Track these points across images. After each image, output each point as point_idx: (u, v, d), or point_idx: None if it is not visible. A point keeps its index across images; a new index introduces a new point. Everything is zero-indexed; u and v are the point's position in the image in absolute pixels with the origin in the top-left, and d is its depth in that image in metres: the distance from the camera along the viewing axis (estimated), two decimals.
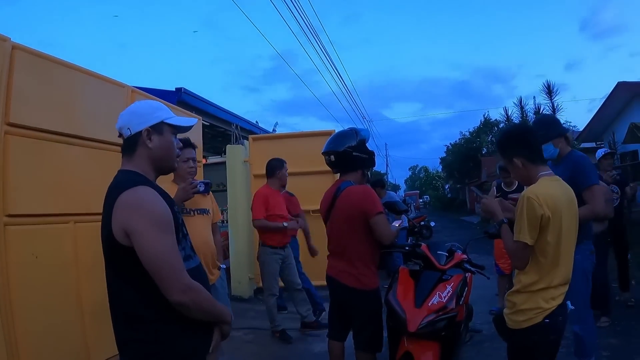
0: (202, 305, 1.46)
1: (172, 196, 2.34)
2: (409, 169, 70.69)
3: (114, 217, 1.41)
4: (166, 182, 2.67)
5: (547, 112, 13.32)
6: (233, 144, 6.63)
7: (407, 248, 2.96)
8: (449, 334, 2.59)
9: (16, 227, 2.44)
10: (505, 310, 2.04)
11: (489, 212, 2.17)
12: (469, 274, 3.24)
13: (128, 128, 1.54)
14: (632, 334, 4.26)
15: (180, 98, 5.81)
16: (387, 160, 50.13)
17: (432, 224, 12.78)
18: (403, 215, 3.18)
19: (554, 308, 1.94)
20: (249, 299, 6.20)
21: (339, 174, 2.98)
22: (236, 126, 6.73)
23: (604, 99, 13.25)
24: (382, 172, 41.92)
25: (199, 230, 2.88)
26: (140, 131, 1.53)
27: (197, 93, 6.62)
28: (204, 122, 6.93)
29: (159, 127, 1.55)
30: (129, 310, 1.45)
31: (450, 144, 29.65)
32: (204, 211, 3.02)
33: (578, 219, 2.10)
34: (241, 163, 6.28)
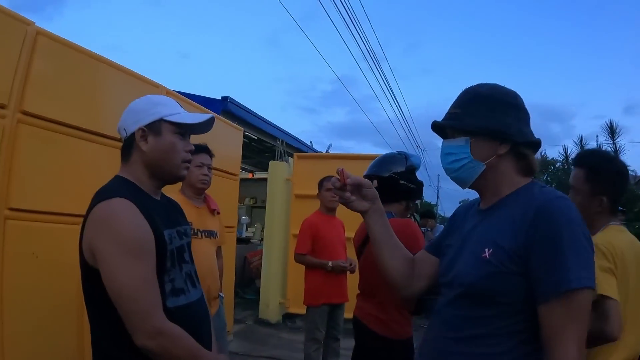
0: (176, 354, 1.13)
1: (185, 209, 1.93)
2: (460, 202, 67.57)
3: (85, 233, 1.15)
4: (172, 192, 2.40)
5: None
6: (277, 160, 6.44)
7: None
8: None
9: (17, 222, 2.25)
10: None
11: None
12: None
13: (124, 129, 1.28)
14: None
15: (225, 107, 5.63)
16: (438, 192, 47.87)
17: None
18: None
19: None
20: (277, 325, 5.86)
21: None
22: (282, 142, 6.54)
23: None
24: (432, 203, 40.43)
25: (206, 255, 2.48)
26: (134, 132, 1.26)
27: (245, 104, 6.33)
28: (250, 135, 6.78)
29: (156, 126, 1.26)
30: (102, 349, 1.18)
31: None
32: (211, 233, 2.60)
33: None
34: (283, 181, 6.04)
